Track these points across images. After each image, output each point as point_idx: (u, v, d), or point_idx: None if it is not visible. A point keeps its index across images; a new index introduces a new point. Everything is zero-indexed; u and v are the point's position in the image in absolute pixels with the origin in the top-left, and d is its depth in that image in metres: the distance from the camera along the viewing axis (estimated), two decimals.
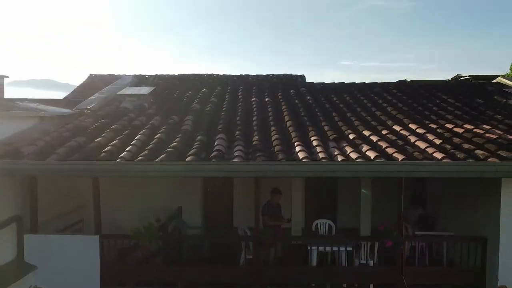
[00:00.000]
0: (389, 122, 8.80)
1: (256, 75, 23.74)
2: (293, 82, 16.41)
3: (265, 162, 6.48)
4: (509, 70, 34.47)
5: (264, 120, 9.04)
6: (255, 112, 9.59)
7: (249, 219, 7.86)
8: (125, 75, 24.24)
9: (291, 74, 25.44)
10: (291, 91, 11.73)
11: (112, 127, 8.34)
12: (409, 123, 8.69)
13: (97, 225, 7.48)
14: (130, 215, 9.26)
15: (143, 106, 10.09)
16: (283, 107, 10.05)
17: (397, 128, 8.37)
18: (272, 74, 24.46)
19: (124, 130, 8.19)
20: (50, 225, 8.01)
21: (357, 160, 6.54)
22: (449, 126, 8.48)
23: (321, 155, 6.79)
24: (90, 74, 24.08)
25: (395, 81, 12.79)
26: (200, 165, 6.50)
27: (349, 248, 7.69)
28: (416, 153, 6.85)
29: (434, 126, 8.46)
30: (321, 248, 7.86)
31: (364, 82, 12.67)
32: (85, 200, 8.95)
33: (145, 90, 10.45)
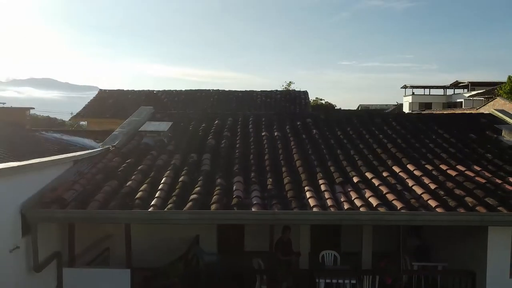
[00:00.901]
0: (389, 162, 9.70)
1: (261, 91, 24.78)
2: (298, 113, 17.37)
3: (280, 212, 7.38)
4: (506, 80, 35.30)
5: (275, 159, 9.90)
6: (266, 150, 10.48)
7: (259, 244, 8.84)
8: (133, 90, 25.20)
9: (294, 90, 26.50)
10: (298, 123, 12.62)
11: (139, 168, 9.21)
12: (407, 164, 9.60)
13: (128, 259, 8.38)
14: (151, 243, 10.17)
15: (163, 141, 10.98)
16: (292, 143, 10.95)
17: (396, 169, 9.28)
18: (276, 90, 25.51)
19: (150, 171, 9.06)
20: (82, 256, 8.93)
21: (361, 209, 7.45)
22: (443, 167, 9.40)
23: (329, 202, 7.71)
24: (100, 90, 25.09)
25: (394, 113, 13.69)
26: (224, 214, 7.40)
27: (353, 281, 8.60)
28: (412, 200, 7.79)
29: (429, 167, 9.38)
30: (327, 280, 8.78)
31: (366, 111, 13.54)
32: (112, 229, 9.89)
33: (163, 127, 11.33)
